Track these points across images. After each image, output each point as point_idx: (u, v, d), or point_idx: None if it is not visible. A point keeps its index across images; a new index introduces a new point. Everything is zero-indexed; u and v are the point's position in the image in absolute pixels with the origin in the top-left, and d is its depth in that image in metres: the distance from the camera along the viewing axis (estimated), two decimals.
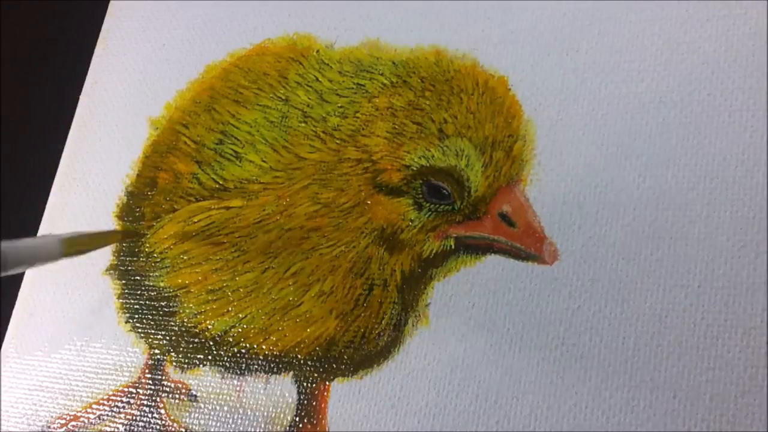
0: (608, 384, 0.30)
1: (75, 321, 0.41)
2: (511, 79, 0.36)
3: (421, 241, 0.35)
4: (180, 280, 0.38)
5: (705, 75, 0.33)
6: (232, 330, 0.37)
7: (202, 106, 0.41)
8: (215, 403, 0.37)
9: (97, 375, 0.39)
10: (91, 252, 0.37)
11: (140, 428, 0.38)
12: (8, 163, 0.49)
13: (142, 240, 0.40)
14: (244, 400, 0.36)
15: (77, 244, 0.34)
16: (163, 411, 0.38)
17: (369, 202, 0.36)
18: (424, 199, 0.35)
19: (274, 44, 0.41)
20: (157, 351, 0.39)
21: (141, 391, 0.38)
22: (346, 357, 0.35)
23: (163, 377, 0.38)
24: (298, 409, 0.35)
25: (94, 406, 0.39)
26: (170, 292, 0.39)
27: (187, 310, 0.38)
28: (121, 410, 0.38)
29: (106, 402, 0.39)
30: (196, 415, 0.37)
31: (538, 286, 0.32)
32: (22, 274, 0.43)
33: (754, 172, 0.31)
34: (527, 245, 0.33)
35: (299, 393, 0.35)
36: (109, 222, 0.42)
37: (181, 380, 0.38)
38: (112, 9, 0.47)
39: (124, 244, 0.41)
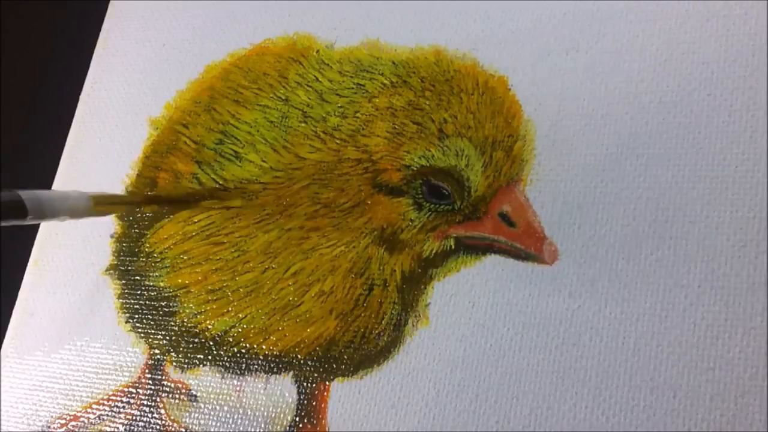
0: (608, 384, 0.30)
1: (75, 321, 0.41)
2: (511, 79, 0.36)
3: (421, 241, 0.35)
4: (180, 280, 0.38)
5: (705, 75, 0.33)
6: (232, 330, 0.37)
7: (202, 106, 0.41)
8: (215, 403, 0.37)
9: (97, 375, 0.39)
10: (115, 214, 0.37)
11: (140, 428, 0.38)
12: (8, 163, 0.49)
13: (142, 240, 0.40)
14: (244, 400, 0.36)
15: (106, 202, 0.34)
16: (163, 411, 0.38)
17: (369, 202, 0.36)
18: (424, 199, 0.35)
19: (274, 44, 0.41)
20: (157, 351, 0.39)
21: (141, 391, 0.38)
22: (346, 357, 0.35)
23: (163, 377, 0.38)
24: (298, 409, 0.35)
25: (94, 406, 0.39)
26: (170, 292, 0.39)
27: (187, 310, 0.38)
28: (121, 410, 0.38)
29: (106, 402, 0.39)
30: (196, 415, 0.37)
31: (538, 286, 0.32)
32: (22, 274, 0.43)
33: (754, 172, 0.31)
34: (527, 245, 0.33)
35: (299, 393, 0.35)
36: (109, 222, 0.42)
37: (181, 380, 0.38)
38: (112, 9, 0.47)
39: (124, 244, 0.41)
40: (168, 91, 0.43)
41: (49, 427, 0.39)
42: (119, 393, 0.39)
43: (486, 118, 0.35)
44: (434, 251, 0.35)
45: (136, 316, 0.39)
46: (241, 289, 0.37)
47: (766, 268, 0.30)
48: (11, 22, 0.52)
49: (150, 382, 0.38)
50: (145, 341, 0.39)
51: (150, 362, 0.39)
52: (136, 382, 0.39)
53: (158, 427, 0.37)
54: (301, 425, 0.35)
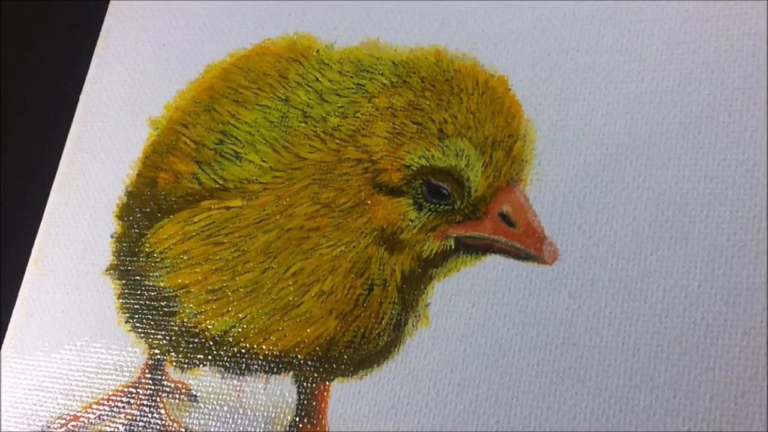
0: (608, 384, 0.30)
1: (75, 321, 0.41)
2: (511, 79, 0.36)
3: (421, 241, 0.35)
4: (180, 280, 0.38)
5: (705, 75, 0.33)
6: (232, 330, 0.37)
7: (202, 106, 0.41)
8: (215, 403, 0.37)
9: (97, 375, 0.39)
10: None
11: (140, 428, 0.38)
12: (8, 163, 0.49)
13: (142, 240, 0.40)
14: (244, 400, 0.36)
15: None
16: (163, 411, 0.38)
17: (369, 202, 0.36)
18: (424, 199, 0.35)
19: (274, 44, 0.41)
20: (157, 351, 0.39)
21: (141, 391, 0.38)
22: (346, 357, 0.35)
23: (163, 377, 0.38)
24: (298, 409, 0.35)
25: (94, 406, 0.39)
26: (170, 292, 0.39)
27: (187, 310, 0.38)
28: (121, 410, 0.38)
29: (106, 402, 0.39)
30: (196, 415, 0.37)
31: (538, 286, 0.32)
32: (22, 274, 0.43)
33: (754, 172, 0.31)
34: (527, 245, 0.33)
35: (299, 393, 0.35)
36: (109, 222, 0.42)
37: (181, 380, 0.38)
38: (112, 9, 0.47)
39: (124, 244, 0.41)
40: (168, 91, 0.43)
41: (49, 427, 0.39)
42: (119, 393, 0.39)
43: (486, 118, 0.35)
44: (434, 251, 0.35)
45: (136, 316, 0.39)
46: (241, 289, 0.37)
47: (766, 268, 0.30)
48: (11, 22, 0.52)
49: (150, 382, 0.38)
50: (145, 341, 0.39)
51: (150, 362, 0.39)
52: (136, 382, 0.39)
53: (158, 427, 0.37)
54: (301, 425, 0.35)
